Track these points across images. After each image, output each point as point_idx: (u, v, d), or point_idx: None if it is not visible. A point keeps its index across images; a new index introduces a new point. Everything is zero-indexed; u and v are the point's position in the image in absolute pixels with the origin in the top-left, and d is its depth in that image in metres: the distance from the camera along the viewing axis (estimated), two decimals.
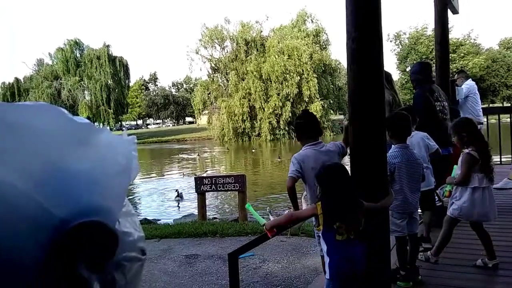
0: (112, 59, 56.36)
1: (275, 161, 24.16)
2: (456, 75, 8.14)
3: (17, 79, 55.90)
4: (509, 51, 60.78)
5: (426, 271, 3.74)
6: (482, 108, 7.89)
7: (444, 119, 5.04)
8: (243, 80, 44.95)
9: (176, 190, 13.61)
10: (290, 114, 42.82)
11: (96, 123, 66.09)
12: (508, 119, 9.03)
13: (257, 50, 46.97)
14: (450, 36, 49.17)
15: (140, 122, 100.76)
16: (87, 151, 0.77)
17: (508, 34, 72.41)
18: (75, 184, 0.74)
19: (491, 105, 46.39)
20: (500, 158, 8.52)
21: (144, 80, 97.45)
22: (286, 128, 43.71)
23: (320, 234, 2.60)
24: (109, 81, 56.01)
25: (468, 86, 7.61)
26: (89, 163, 0.77)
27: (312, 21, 49.58)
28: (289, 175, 3.35)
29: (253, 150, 33.63)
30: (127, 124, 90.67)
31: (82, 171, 0.75)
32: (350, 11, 2.92)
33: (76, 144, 0.76)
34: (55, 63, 57.62)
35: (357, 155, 3.03)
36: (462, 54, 52.49)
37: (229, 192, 10.29)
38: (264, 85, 43.75)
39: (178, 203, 12.93)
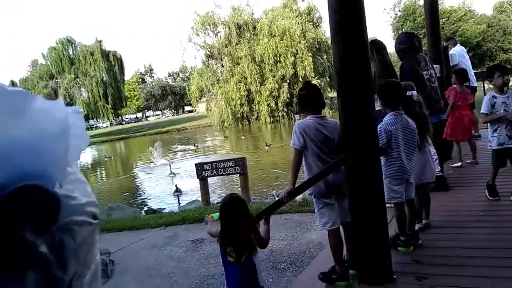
0: (105, 54, 56.11)
1: (264, 148, 22.85)
2: (445, 43, 8.16)
3: (12, 82, 55.59)
4: (503, 15, 60.17)
5: (426, 235, 3.80)
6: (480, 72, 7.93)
7: (432, 87, 5.04)
8: (238, 65, 44.66)
9: (175, 185, 13.64)
10: (288, 95, 42.64)
11: (96, 119, 66.01)
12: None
13: (250, 33, 46.58)
14: (445, 4, 48.07)
15: (139, 115, 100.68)
16: (21, 118, 0.79)
17: None
18: (10, 152, 0.76)
19: None
20: None
21: (141, 73, 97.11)
22: (285, 110, 43.56)
23: None
24: (104, 76, 55.83)
25: (455, 51, 7.66)
26: (23, 130, 0.78)
27: (303, 0, 49.09)
28: (294, 146, 3.30)
29: (242, 137, 32.18)
30: (127, 118, 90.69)
31: (17, 138, 0.77)
32: None
33: (10, 112, 0.78)
34: (49, 62, 57.30)
35: (347, 125, 3.06)
36: (453, 21, 51.81)
37: (231, 176, 10.38)
38: (259, 68, 43.47)
39: (178, 198, 12.96)
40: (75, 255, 0.85)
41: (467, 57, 8.11)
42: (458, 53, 7.86)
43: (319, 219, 3.39)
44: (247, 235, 2.82)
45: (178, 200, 12.59)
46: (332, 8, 2.98)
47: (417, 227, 3.86)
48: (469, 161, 6.41)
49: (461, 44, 8.65)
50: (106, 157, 31.01)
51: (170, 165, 18.26)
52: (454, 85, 6.65)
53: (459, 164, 6.30)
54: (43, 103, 0.84)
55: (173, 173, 17.34)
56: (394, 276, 3.07)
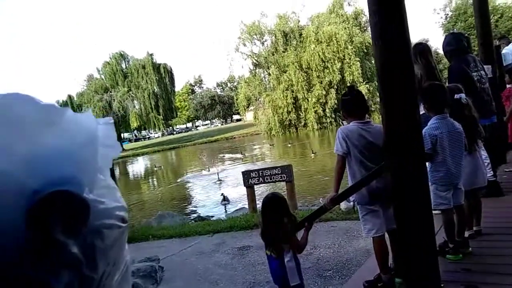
0: (156, 67, 57.82)
1: (309, 156, 22.60)
2: (497, 42, 7.82)
3: (69, 96, 58.50)
4: None
5: (476, 242, 3.65)
6: None
7: (483, 89, 4.85)
8: (285, 73, 44.79)
9: (222, 194, 13.75)
10: (336, 101, 42.21)
11: (148, 130, 68.07)
12: None
13: (296, 40, 46.69)
14: (498, 2, 45.44)
15: (189, 124, 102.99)
16: (53, 130, 0.86)
17: None
18: (43, 160, 0.84)
19: None
20: None
21: (190, 84, 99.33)
22: (333, 116, 43.14)
23: None
24: (155, 88, 57.51)
25: (508, 50, 7.32)
26: (55, 140, 0.86)
27: (349, 4, 48.56)
28: (337, 152, 3.28)
29: (289, 145, 31.99)
30: (177, 128, 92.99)
31: (49, 147, 0.85)
32: None
33: (43, 123, 0.85)
34: (103, 77, 59.79)
35: (390, 131, 3.01)
36: (508, 17, 48.84)
37: (277, 183, 10.37)
38: (305, 75, 43.43)
39: (225, 207, 12.94)
40: (104, 256, 0.91)
41: None
42: None
43: (363, 226, 3.35)
44: (276, 233, 3.02)
45: (225, 209, 12.66)
46: (372, 9, 2.94)
47: (467, 234, 3.72)
48: None
49: None
50: (156, 167, 31.86)
51: (218, 174, 18.92)
52: (508, 85, 6.39)
53: None
54: (73, 115, 0.92)
55: (220, 180, 18.09)
56: (442, 285, 2.96)
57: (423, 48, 4.74)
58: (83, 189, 0.88)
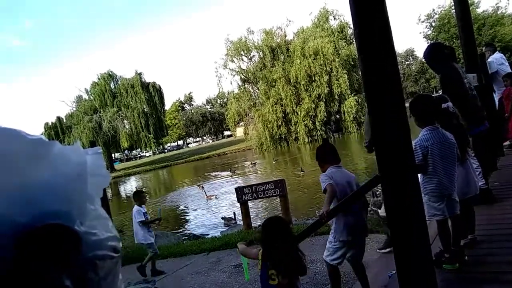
0: (145, 86, 57.74)
1: (298, 174, 21.11)
2: (483, 49, 7.97)
3: (59, 118, 58.02)
4: None
5: (472, 250, 3.66)
6: None
7: (473, 96, 4.89)
8: (273, 87, 45.03)
9: (233, 213, 12.37)
10: (325, 114, 42.51)
11: (141, 149, 67.87)
12: None
13: (284, 55, 47.04)
14: (479, 10, 45.85)
15: (180, 142, 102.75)
16: (41, 163, 0.86)
17: None
18: (33, 193, 0.84)
19: None
20: None
21: (181, 101, 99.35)
22: (323, 129, 43.33)
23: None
24: (145, 107, 57.35)
25: (493, 59, 7.48)
26: (43, 173, 0.86)
27: (334, 18, 49.09)
28: (327, 182, 3.59)
29: (273, 161, 31.12)
30: (168, 146, 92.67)
31: (38, 181, 0.85)
32: None
33: (31, 158, 0.85)
34: (92, 97, 59.55)
35: (381, 143, 3.02)
36: (490, 26, 49.43)
37: (271, 198, 10.30)
38: (294, 89, 43.69)
39: (236, 223, 11.63)
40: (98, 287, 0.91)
41: (507, 63, 7.89)
42: (497, 61, 7.68)
43: (327, 251, 3.79)
44: (294, 259, 2.77)
45: (236, 224, 11.41)
46: (355, 20, 2.96)
47: (462, 242, 3.73)
48: None
49: (501, 50, 8.50)
50: (136, 188, 31.22)
51: (205, 192, 19.28)
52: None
53: None
54: (61, 148, 0.92)
55: (209, 197, 18.50)
56: None
57: None
58: (74, 221, 0.88)
